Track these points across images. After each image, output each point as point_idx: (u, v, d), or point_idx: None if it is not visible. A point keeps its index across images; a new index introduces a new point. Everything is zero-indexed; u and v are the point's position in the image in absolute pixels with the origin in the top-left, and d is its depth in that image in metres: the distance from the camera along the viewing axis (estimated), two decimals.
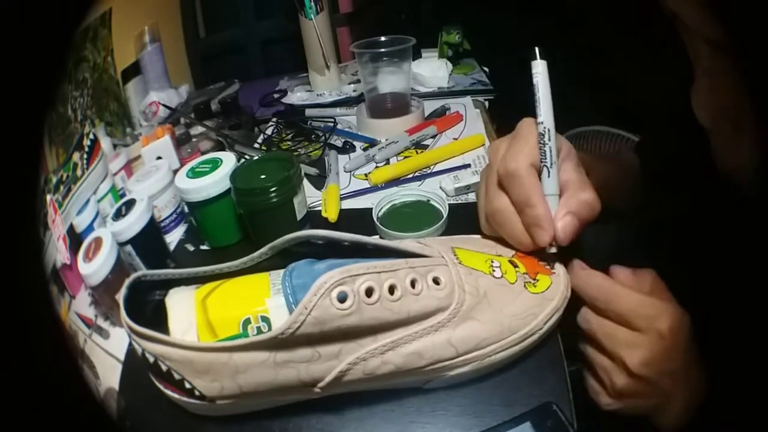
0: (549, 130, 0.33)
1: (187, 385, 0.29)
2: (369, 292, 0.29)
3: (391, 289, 0.30)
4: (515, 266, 0.36)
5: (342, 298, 0.28)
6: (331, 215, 0.53)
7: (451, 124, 0.72)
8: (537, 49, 0.34)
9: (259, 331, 0.29)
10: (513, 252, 0.37)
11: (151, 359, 0.29)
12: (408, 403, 0.33)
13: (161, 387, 0.31)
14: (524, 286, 0.34)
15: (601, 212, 0.34)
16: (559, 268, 0.37)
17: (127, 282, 0.30)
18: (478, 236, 0.41)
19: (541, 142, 0.33)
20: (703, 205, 0.42)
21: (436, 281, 0.31)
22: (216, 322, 0.29)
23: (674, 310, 0.32)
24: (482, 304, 0.32)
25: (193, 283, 0.33)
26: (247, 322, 0.29)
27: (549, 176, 0.34)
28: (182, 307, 0.30)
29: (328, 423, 0.32)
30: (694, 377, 0.33)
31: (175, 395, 0.30)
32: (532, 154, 0.34)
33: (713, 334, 0.34)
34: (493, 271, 0.34)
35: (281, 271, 0.32)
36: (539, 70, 0.34)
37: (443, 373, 0.32)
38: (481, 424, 0.31)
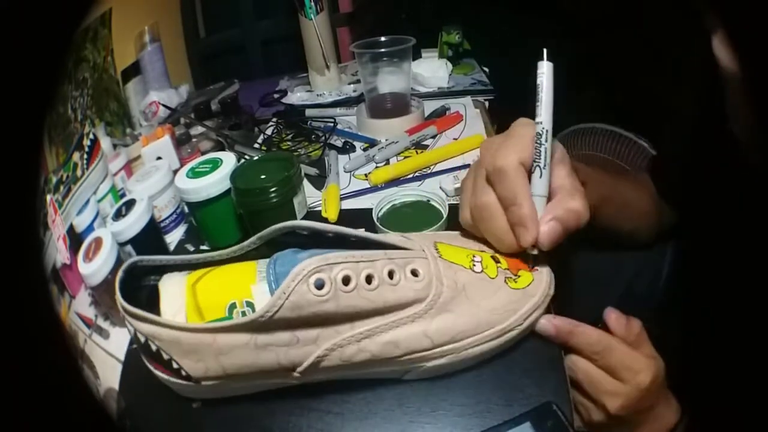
0: (547, 131, 0.33)
1: (175, 365, 0.30)
2: (346, 280, 0.29)
3: (368, 279, 0.30)
4: (497, 261, 0.36)
5: (319, 285, 0.29)
6: (331, 215, 0.53)
7: (451, 124, 0.72)
8: (546, 50, 0.34)
9: (244, 315, 0.30)
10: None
11: (143, 339, 0.30)
12: (408, 403, 0.33)
13: (151, 368, 0.32)
14: (505, 281, 0.34)
15: (616, 235, 0.34)
16: (543, 266, 0.37)
17: (124, 266, 0.32)
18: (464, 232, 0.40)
19: (538, 142, 0.33)
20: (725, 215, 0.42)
21: (414, 273, 0.32)
22: (204, 305, 0.31)
23: (654, 365, 0.36)
24: (460, 297, 0.33)
25: (186, 270, 0.34)
26: (232, 306, 0.30)
27: (540, 177, 0.33)
28: (174, 291, 0.32)
29: (328, 423, 0.32)
30: (661, 408, 0.38)
31: (164, 375, 0.32)
32: (524, 152, 0.34)
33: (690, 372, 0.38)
34: (474, 265, 0.35)
35: (268, 260, 0.32)
36: (544, 70, 0.34)
37: (420, 364, 0.33)
38: (481, 424, 0.31)
